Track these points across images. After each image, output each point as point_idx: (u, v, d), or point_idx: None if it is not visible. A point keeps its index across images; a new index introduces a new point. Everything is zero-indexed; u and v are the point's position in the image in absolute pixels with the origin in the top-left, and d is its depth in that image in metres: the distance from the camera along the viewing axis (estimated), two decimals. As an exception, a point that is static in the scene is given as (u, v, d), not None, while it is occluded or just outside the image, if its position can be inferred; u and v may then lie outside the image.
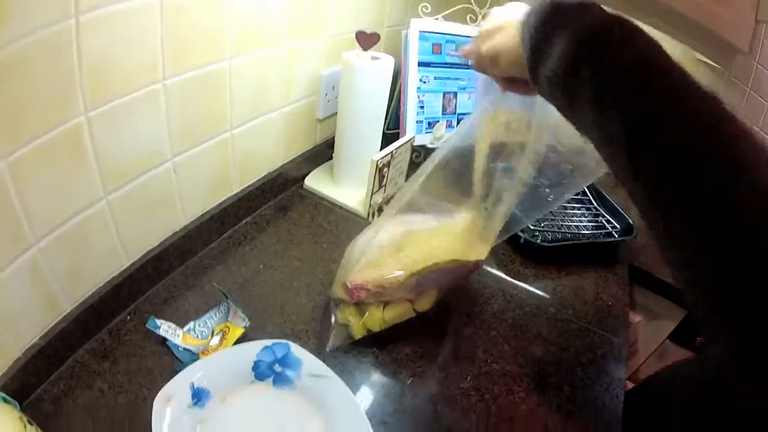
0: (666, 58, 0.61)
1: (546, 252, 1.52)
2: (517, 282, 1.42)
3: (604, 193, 1.81)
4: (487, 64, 0.87)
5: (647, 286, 1.66)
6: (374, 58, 1.46)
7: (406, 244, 1.14)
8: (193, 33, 1.06)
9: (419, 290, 1.13)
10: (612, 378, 1.19)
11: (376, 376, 1.10)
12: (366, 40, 1.44)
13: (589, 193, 1.85)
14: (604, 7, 0.66)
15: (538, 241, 1.54)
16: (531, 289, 1.43)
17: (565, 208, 1.75)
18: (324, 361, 1.02)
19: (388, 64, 1.46)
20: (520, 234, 1.52)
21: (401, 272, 1.08)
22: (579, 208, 1.77)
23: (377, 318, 1.12)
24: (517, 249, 1.54)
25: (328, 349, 1.11)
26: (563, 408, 1.10)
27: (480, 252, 1.15)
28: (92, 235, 1.02)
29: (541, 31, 0.71)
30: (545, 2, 0.72)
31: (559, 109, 0.73)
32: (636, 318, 1.78)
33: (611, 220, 1.69)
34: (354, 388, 1.02)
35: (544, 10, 0.71)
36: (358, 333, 1.12)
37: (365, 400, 1.04)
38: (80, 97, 0.88)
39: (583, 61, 0.63)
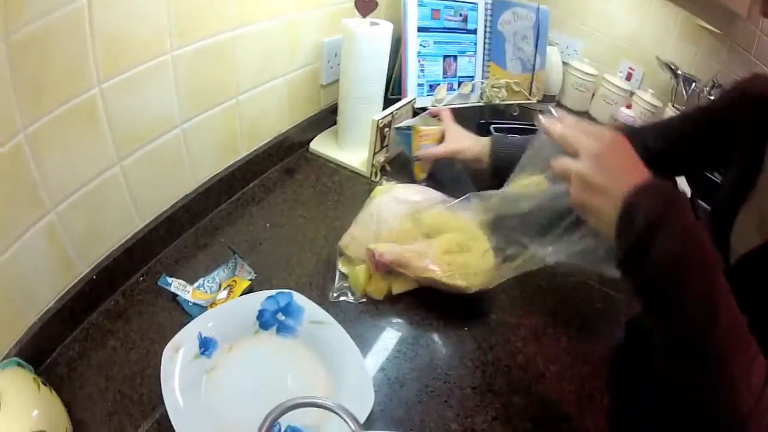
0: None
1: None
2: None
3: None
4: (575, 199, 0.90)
5: None
6: (373, 24, 1.54)
7: (436, 230, 1.24)
8: (197, 6, 1.14)
9: None
10: (609, 331, 1.29)
11: (376, 324, 1.19)
12: (364, 7, 1.52)
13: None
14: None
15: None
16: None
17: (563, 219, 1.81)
18: (326, 309, 1.12)
19: (386, 29, 1.54)
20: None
21: (436, 276, 1.17)
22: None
23: (383, 289, 1.23)
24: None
25: (332, 297, 1.21)
26: (560, 359, 1.19)
27: (500, 275, 1.18)
28: (106, 199, 1.11)
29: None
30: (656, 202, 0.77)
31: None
32: None
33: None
34: (354, 334, 1.10)
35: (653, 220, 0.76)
36: (359, 292, 1.22)
37: (365, 346, 1.13)
38: (94, 70, 0.96)
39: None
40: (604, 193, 0.81)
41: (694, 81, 2.13)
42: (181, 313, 1.14)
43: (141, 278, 1.22)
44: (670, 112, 2.22)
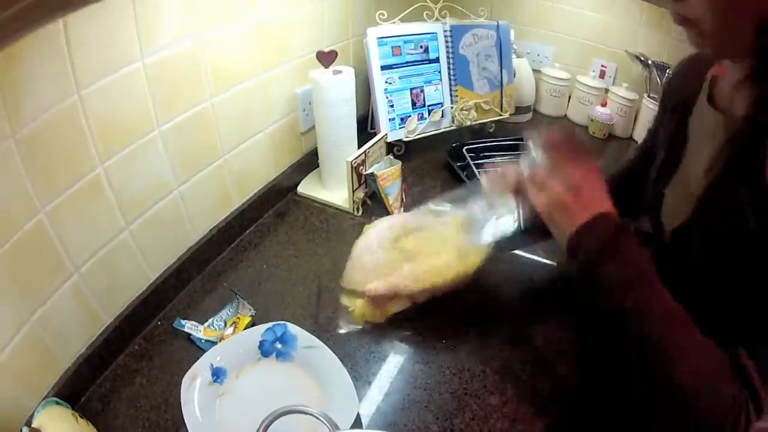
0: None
1: None
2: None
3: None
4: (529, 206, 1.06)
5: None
6: (336, 72, 1.74)
7: (416, 253, 1.34)
8: (175, 83, 1.33)
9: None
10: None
11: (361, 345, 1.37)
12: (325, 58, 1.71)
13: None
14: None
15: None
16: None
17: None
18: (317, 335, 1.31)
19: (348, 75, 1.74)
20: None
21: (419, 286, 1.29)
22: None
23: (383, 314, 1.35)
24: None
25: (342, 331, 1.36)
26: (533, 360, 1.34)
27: (473, 261, 1.29)
28: (121, 258, 1.31)
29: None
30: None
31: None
32: None
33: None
34: (342, 354, 1.29)
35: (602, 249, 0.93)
36: (361, 321, 1.35)
37: (352, 364, 1.31)
38: (95, 152, 1.16)
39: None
40: (570, 216, 0.96)
41: (668, 68, 2.22)
42: (196, 349, 1.34)
43: (159, 322, 1.43)
44: (646, 102, 2.33)
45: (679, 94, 1.15)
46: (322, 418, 0.95)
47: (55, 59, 1.03)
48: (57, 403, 1.09)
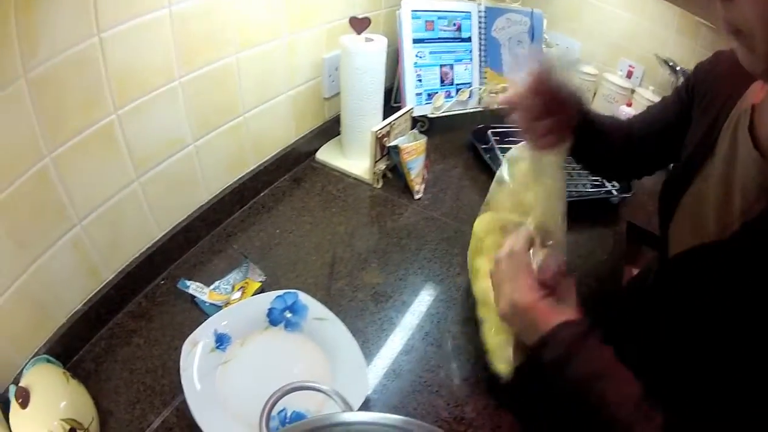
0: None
1: None
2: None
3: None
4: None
5: (645, 241, 1.77)
6: (368, 39, 1.64)
7: None
8: (200, 36, 1.24)
9: None
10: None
11: (374, 320, 1.29)
12: (358, 24, 1.61)
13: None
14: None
15: None
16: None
17: (566, 168, 1.86)
18: (328, 307, 1.22)
19: (381, 44, 1.64)
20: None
21: None
22: (579, 168, 1.88)
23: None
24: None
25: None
26: None
27: None
28: (127, 212, 1.22)
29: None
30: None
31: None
32: (635, 272, 1.82)
33: (611, 179, 1.79)
34: (355, 329, 1.20)
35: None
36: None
37: (364, 340, 1.22)
38: (109, 99, 1.07)
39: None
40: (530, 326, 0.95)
41: None
42: (199, 313, 1.24)
43: (162, 282, 1.33)
44: None
45: (717, 92, 1.02)
46: (335, 397, 0.88)
47: None
48: (48, 360, 1.03)
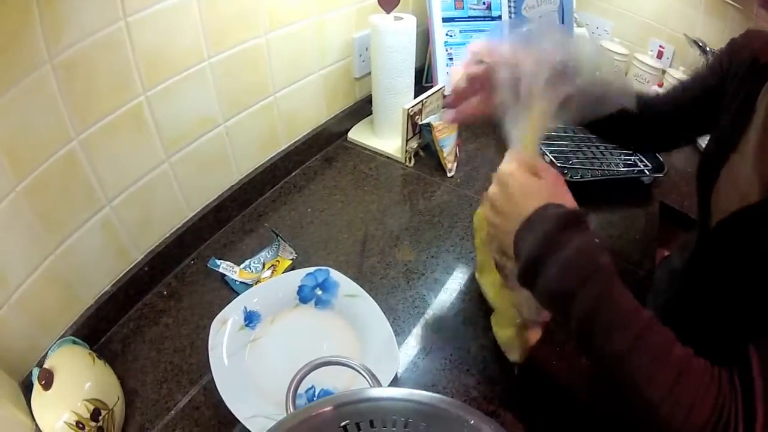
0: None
1: (576, 188, 1.55)
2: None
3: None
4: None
5: (678, 223, 1.71)
6: (398, 18, 1.60)
7: None
8: (229, 17, 1.22)
9: None
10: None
11: (405, 298, 1.26)
12: (387, 3, 1.58)
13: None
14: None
15: (568, 177, 1.62)
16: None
17: (598, 147, 1.81)
18: (359, 284, 1.19)
19: (410, 23, 1.60)
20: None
21: None
22: (612, 147, 1.83)
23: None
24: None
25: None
26: None
27: None
28: (157, 192, 1.21)
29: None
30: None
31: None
32: (666, 252, 1.77)
33: (643, 158, 1.74)
34: (386, 307, 1.18)
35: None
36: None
37: (395, 318, 1.20)
38: (138, 81, 1.06)
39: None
40: (507, 219, 0.85)
41: None
42: (229, 292, 1.23)
43: (192, 262, 1.32)
44: None
45: (751, 66, 1.00)
46: (364, 373, 0.86)
47: None
48: (74, 342, 1.03)
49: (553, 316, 0.92)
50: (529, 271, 0.80)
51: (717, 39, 2.11)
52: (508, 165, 0.90)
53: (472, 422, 0.74)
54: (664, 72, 2.34)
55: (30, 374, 0.96)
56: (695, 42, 2.13)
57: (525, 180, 0.86)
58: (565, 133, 1.89)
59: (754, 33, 1.07)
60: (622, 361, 0.72)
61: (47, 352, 0.98)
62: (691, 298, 1.11)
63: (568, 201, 0.86)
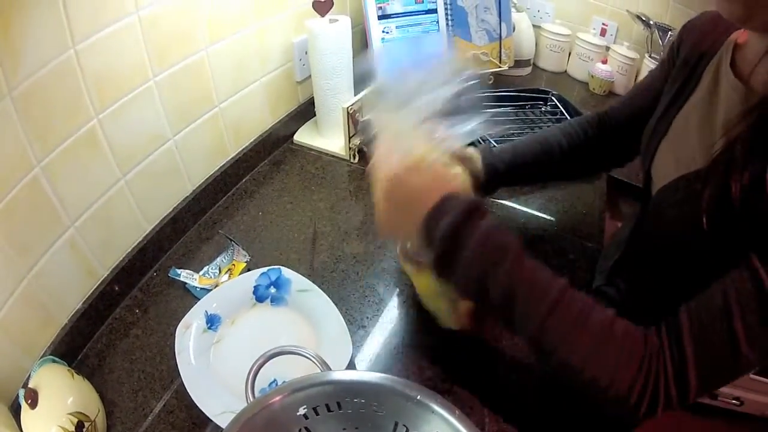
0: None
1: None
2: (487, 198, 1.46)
3: (576, 106, 2.01)
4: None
5: (628, 194, 1.83)
6: (333, 21, 1.72)
7: None
8: (169, 35, 1.31)
9: None
10: (581, 278, 1.43)
11: (356, 289, 1.38)
12: (321, 7, 1.70)
13: (560, 106, 2.07)
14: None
15: None
16: (502, 202, 1.67)
17: (533, 120, 1.97)
18: (312, 279, 1.32)
19: (345, 24, 1.73)
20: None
21: None
22: (548, 121, 1.98)
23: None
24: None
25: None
26: None
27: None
28: (116, 210, 1.31)
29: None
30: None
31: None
32: (618, 224, 1.84)
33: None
34: (337, 298, 1.30)
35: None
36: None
37: (347, 308, 1.32)
38: (89, 104, 1.15)
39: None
40: (408, 219, 0.94)
41: (669, 30, 2.22)
42: (192, 298, 1.34)
43: (154, 273, 1.43)
44: (647, 62, 2.34)
45: (695, 47, 1.09)
46: (313, 358, 0.96)
47: (51, 16, 1.02)
48: (53, 361, 1.11)
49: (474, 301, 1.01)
50: (442, 263, 0.91)
51: (660, 13, 2.27)
52: (389, 159, 0.98)
53: (418, 397, 0.84)
54: (608, 48, 2.47)
55: (17, 396, 1.04)
56: (638, 17, 2.26)
57: (415, 177, 0.95)
58: (507, 117, 2.05)
59: (704, 15, 1.14)
60: (541, 332, 0.83)
61: (30, 373, 1.05)
62: (634, 262, 1.22)
63: (455, 188, 0.96)
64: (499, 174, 1.28)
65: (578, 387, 0.84)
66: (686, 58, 1.10)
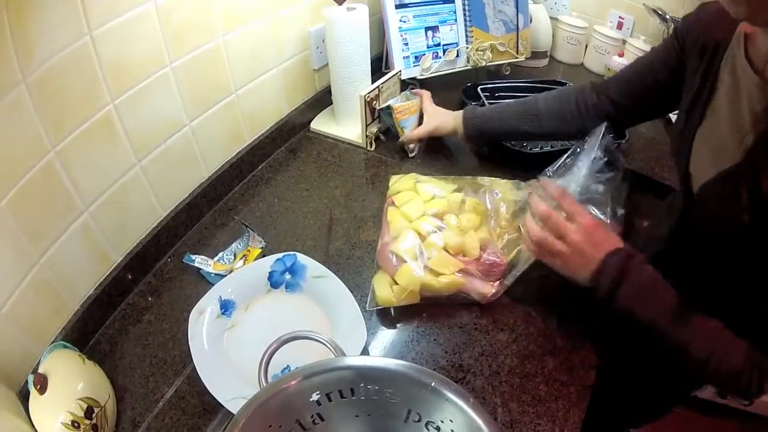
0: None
1: (533, 159, 1.68)
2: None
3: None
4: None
5: (648, 189, 1.78)
6: (350, 9, 1.73)
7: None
8: (186, 23, 1.32)
9: None
10: None
11: (371, 275, 1.36)
12: None
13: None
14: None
15: (528, 149, 1.76)
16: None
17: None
18: (327, 266, 1.31)
19: (363, 12, 1.73)
20: (509, 144, 1.75)
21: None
22: None
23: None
24: (505, 158, 1.77)
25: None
26: (546, 298, 1.35)
27: None
28: (131, 195, 1.32)
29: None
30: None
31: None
32: (645, 222, 1.79)
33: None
34: (353, 285, 1.31)
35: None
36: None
37: (362, 295, 1.31)
38: (105, 90, 1.16)
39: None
40: (586, 258, 1.07)
41: None
42: (206, 284, 1.34)
43: (169, 259, 1.44)
44: None
45: (708, 35, 1.11)
46: (327, 344, 0.96)
47: (67, 2, 1.03)
48: (64, 346, 1.11)
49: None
50: (608, 295, 1.05)
51: (676, 7, 2.24)
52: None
53: (432, 384, 0.83)
54: (624, 42, 2.45)
55: (26, 382, 1.04)
56: (655, 11, 2.24)
57: (582, 234, 1.09)
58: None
59: (703, 8, 1.18)
60: (686, 348, 0.99)
61: (40, 359, 1.05)
62: (679, 255, 1.25)
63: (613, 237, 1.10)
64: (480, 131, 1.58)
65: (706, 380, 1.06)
66: (699, 51, 1.12)
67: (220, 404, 1.05)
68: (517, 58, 2.31)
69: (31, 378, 0.99)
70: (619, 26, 2.52)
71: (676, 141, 1.22)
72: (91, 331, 1.25)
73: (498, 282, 1.30)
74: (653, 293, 1.02)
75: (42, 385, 0.98)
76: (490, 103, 1.97)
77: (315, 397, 0.86)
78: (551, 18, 2.55)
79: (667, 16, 2.23)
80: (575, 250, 1.09)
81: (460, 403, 0.82)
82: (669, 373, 1.33)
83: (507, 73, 2.38)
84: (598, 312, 1.10)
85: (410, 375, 0.86)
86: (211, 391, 1.07)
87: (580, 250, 1.08)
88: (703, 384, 1.05)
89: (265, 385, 0.88)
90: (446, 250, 1.30)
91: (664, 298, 1.01)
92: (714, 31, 1.09)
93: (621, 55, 2.40)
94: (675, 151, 1.21)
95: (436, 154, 1.85)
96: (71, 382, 1.02)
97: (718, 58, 1.07)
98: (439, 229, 1.34)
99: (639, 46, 2.36)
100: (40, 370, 1.01)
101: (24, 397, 1.00)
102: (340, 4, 1.71)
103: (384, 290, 1.27)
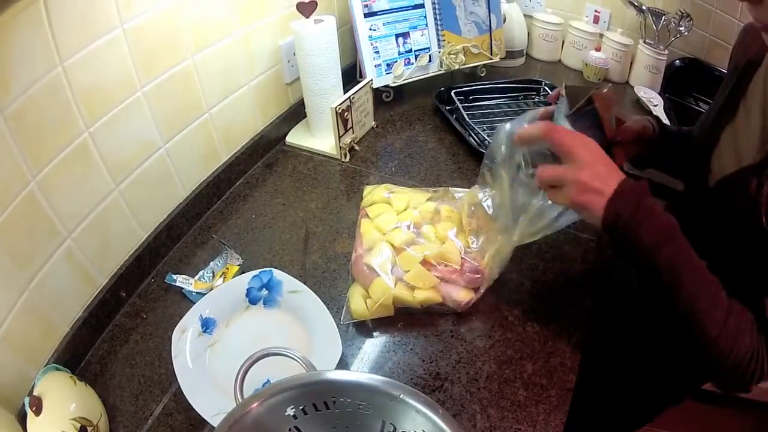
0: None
1: None
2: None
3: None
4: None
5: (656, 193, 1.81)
6: (318, 21, 1.76)
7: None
8: (155, 46, 1.35)
9: None
10: (572, 271, 1.49)
11: (347, 287, 1.39)
12: (305, 8, 1.74)
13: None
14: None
15: None
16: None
17: (527, 112, 1.96)
18: (304, 280, 1.36)
19: (330, 24, 1.77)
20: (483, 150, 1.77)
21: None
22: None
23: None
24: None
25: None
26: (523, 302, 1.39)
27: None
28: (112, 219, 1.35)
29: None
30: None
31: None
32: None
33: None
34: (328, 298, 1.35)
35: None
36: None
37: (338, 308, 1.34)
38: (80, 119, 1.19)
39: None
40: (599, 194, 1.00)
41: (663, 14, 2.27)
42: (189, 303, 1.38)
43: (152, 280, 1.48)
44: (642, 48, 2.37)
45: (744, 54, 1.18)
46: (298, 359, 1.00)
47: (37, 34, 1.06)
48: (57, 369, 1.15)
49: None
50: (623, 229, 1.00)
51: (655, -3, 2.27)
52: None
53: (401, 396, 0.87)
54: (601, 36, 2.50)
55: (23, 405, 1.04)
56: (631, 2, 2.31)
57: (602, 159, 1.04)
58: (499, 109, 2.11)
59: (747, 28, 1.24)
60: (694, 302, 0.97)
61: (35, 382, 1.09)
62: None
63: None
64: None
65: (706, 352, 0.99)
66: (737, 64, 1.20)
67: (205, 420, 1.10)
68: (491, 59, 2.35)
69: (27, 400, 1.03)
70: (596, 20, 2.57)
71: (701, 134, 1.27)
72: (81, 352, 1.29)
73: (474, 289, 1.34)
74: (673, 237, 1.01)
75: (37, 407, 1.02)
76: (465, 107, 2.03)
77: (290, 411, 0.90)
78: (526, 16, 2.60)
79: (644, 7, 2.28)
80: (582, 189, 1.03)
81: (430, 413, 0.86)
82: (673, 345, 1.32)
83: (483, 75, 2.42)
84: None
85: (379, 387, 0.89)
86: (195, 408, 1.11)
87: (587, 187, 1.02)
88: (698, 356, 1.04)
89: (240, 401, 0.92)
90: (427, 261, 1.34)
91: (686, 249, 1.00)
92: (750, 47, 1.16)
93: (598, 49, 2.46)
94: (700, 146, 1.25)
95: (410, 161, 1.90)
96: (64, 403, 1.07)
97: (755, 64, 1.13)
98: (415, 241, 1.38)
99: (616, 39, 2.42)
100: (34, 393, 1.05)
101: (22, 418, 1.05)
102: (307, 16, 1.75)
103: (358, 303, 1.32)
